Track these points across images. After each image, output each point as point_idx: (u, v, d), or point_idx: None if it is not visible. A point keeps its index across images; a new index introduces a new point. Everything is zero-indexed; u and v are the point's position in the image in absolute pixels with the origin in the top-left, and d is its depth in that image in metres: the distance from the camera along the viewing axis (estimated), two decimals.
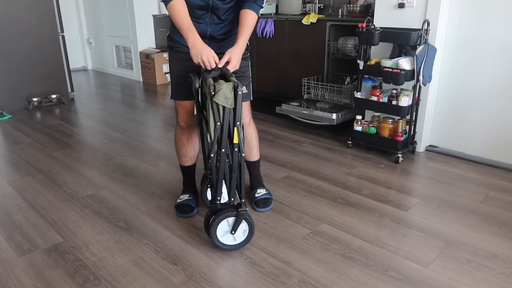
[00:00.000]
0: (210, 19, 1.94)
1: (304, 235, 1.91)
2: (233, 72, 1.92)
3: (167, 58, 5.36)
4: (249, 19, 1.87)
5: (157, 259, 1.74)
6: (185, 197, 2.15)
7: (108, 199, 2.28)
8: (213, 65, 1.78)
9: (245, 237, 1.80)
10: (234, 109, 1.64)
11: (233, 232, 1.76)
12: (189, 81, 1.88)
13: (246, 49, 2.07)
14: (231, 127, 1.66)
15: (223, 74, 1.79)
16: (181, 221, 2.03)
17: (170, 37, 2.02)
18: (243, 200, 1.74)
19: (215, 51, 1.90)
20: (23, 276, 1.64)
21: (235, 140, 1.66)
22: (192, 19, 1.90)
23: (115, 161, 2.81)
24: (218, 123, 1.64)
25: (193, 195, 2.17)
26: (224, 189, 1.78)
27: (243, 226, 1.78)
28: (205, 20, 1.94)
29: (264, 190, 2.22)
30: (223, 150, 1.68)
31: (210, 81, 1.69)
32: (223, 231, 1.77)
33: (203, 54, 1.77)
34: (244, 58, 2.05)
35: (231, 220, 1.76)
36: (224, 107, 1.63)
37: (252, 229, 1.79)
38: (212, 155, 1.68)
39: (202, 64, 1.80)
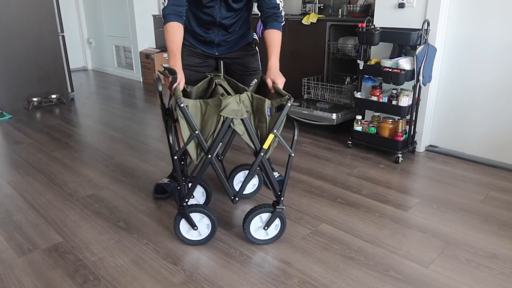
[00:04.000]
0: (218, 31, 2.05)
1: (304, 235, 1.91)
2: (250, 70, 2.15)
3: (167, 58, 5.37)
4: (275, 39, 1.94)
5: (157, 259, 1.74)
6: (165, 180, 2.32)
7: (108, 199, 2.28)
8: (175, 88, 1.78)
9: (276, 232, 1.84)
10: (276, 118, 1.65)
11: (266, 227, 1.81)
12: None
13: (255, 45, 2.24)
14: (252, 135, 1.69)
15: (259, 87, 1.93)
16: None
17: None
18: (282, 198, 1.77)
19: (225, 52, 2.14)
20: (23, 276, 1.64)
21: (265, 146, 1.68)
22: (201, 29, 2.05)
23: (115, 161, 2.81)
24: (197, 132, 1.65)
25: (174, 181, 2.29)
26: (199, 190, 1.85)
27: (276, 222, 1.83)
28: (213, 31, 2.06)
29: (277, 172, 2.39)
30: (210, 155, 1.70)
31: (220, 90, 1.77)
32: (256, 226, 1.82)
33: (180, 76, 1.82)
34: (253, 55, 2.23)
35: (265, 215, 1.80)
36: (224, 118, 1.64)
37: (284, 226, 1.83)
38: (176, 157, 1.71)
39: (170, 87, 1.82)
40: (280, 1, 1.97)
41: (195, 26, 2.06)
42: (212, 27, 2.03)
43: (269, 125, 1.67)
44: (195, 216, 1.79)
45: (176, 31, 1.86)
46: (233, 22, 2.03)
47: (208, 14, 1.98)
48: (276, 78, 1.85)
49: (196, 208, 1.78)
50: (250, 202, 2.21)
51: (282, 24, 2.00)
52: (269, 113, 1.65)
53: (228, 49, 2.16)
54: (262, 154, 1.71)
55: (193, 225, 1.79)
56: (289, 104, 1.62)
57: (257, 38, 2.23)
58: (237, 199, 1.80)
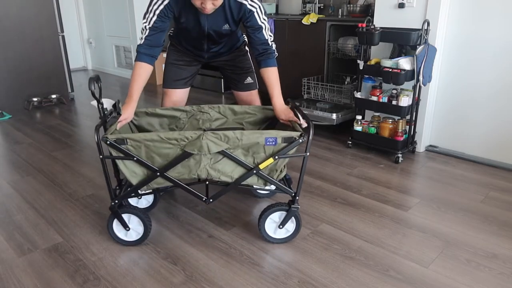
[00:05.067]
0: (208, 48, 2.11)
1: (304, 235, 1.91)
2: (243, 69, 2.21)
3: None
4: (273, 77, 1.95)
5: (157, 259, 1.74)
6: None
7: (108, 199, 2.27)
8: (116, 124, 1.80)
9: (292, 231, 1.85)
10: (282, 148, 1.67)
11: (281, 226, 1.82)
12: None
13: (244, 46, 2.26)
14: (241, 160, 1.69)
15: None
16: (181, 221, 2.03)
17: (172, 37, 2.20)
18: (297, 198, 1.77)
19: (213, 61, 2.23)
20: (23, 276, 1.64)
21: (261, 166, 1.69)
22: (191, 47, 2.13)
23: None
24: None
25: None
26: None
27: (291, 222, 1.83)
28: (203, 48, 2.12)
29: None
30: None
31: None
32: (271, 225, 1.83)
33: (123, 116, 1.82)
34: (243, 55, 2.25)
35: (280, 214, 1.81)
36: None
37: (299, 225, 1.83)
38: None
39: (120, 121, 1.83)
40: (269, 36, 1.95)
41: (185, 45, 2.16)
42: (202, 40, 2.07)
43: (273, 153, 1.68)
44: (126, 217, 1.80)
45: (141, 73, 1.89)
46: (221, 47, 2.13)
47: (196, 47, 2.10)
48: (288, 115, 1.88)
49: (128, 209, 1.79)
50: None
51: (276, 57, 1.99)
52: (269, 143, 1.65)
53: (217, 56, 2.22)
54: (254, 171, 1.70)
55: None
56: (300, 141, 1.65)
57: (246, 39, 2.25)
58: (211, 200, 1.79)
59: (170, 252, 1.78)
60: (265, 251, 1.79)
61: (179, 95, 2.25)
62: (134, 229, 1.82)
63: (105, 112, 1.76)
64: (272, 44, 1.97)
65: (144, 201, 2.10)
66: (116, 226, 1.81)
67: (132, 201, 2.03)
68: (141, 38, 1.91)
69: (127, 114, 1.86)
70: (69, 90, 4.59)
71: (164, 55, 5.58)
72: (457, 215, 2.08)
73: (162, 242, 1.86)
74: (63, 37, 4.40)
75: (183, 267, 1.69)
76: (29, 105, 4.15)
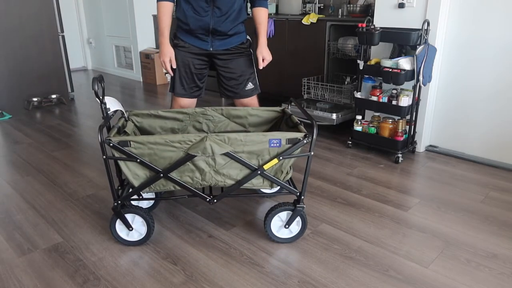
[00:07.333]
0: (212, 12, 2.08)
1: (304, 235, 1.91)
2: (245, 74, 2.23)
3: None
4: (263, 17, 2.17)
5: (157, 259, 1.74)
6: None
7: (108, 199, 2.27)
8: (168, 69, 2.13)
9: (295, 233, 1.86)
10: (287, 149, 1.69)
11: (287, 226, 1.83)
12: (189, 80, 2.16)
13: (250, 48, 2.28)
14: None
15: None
16: (181, 221, 2.03)
17: (176, 35, 2.20)
18: (303, 197, 1.79)
19: (219, 48, 2.16)
20: (23, 276, 1.64)
21: (266, 167, 1.71)
22: (196, 14, 2.08)
23: None
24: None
25: None
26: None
27: (296, 223, 1.85)
28: (207, 14, 2.08)
29: None
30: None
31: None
32: (277, 225, 1.85)
33: (166, 55, 2.10)
34: (247, 55, 2.26)
35: (286, 214, 1.83)
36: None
37: (305, 224, 1.84)
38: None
39: (162, 64, 2.13)
40: None
41: (190, 14, 2.08)
42: (207, 7, 2.06)
43: (277, 154, 1.69)
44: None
45: (166, 11, 2.08)
46: (226, 16, 2.09)
47: (200, 13, 2.07)
48: (265, 55, 2.14)
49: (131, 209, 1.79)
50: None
51: (268, 0, 2.18)
52: (274, 145, 1.67)
53: (222, 45, 2.16)
54: (258, 172, 1.71)
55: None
56: (304, 141, 1.68)
57: (250, 40, 2.26)
58: (215, 200, 1.80)
59: (170, 252, 1.79)
60: (265, 251, 1.79)
61: (186, 105, 2.25)
62: (137, 229, 1.82)
63: (108, 112, 1.77)
64: None
65: (146, 202, 2.10)
66: (119, 226, 1.81)
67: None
68: None
69: (167, 49, 2.11)
70: (69, 90, 4.59)
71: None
72: (457, 215, 2.08)
73: (162, 242, 1.86)
74: (63, 37, 4.40)
75: (183, 267, 1.69)
76: (29, 105, 4.15)
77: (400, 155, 2.74)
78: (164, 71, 2.15)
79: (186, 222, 2.02)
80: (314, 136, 1.68)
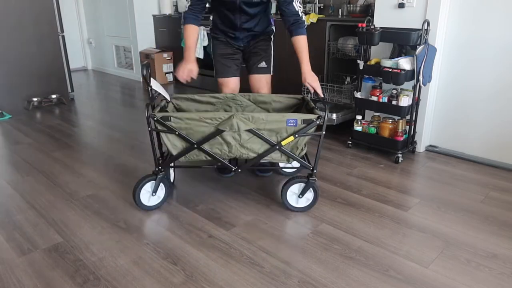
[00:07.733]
0: (240, 20, 2.28)
1: (304, 235, 1.91)
2: (260, 52, 2.41)
3: (168, 58, 5.42)
4: (303, 45, 2.21)
5: (157, 259, 1.74)
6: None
7: (108, 199, 2.28)
8: (184, 78, 2.21)
9: (310, 201, 2.10)
10: (302, 128, 1.94)
11: (300, 196, 2.08)
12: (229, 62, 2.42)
13: (271, 34, 2.48)
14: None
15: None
16: (181, 221, 2.03)
17: (213, 30, 2.44)
18: (315, 171, 2.03)
19: (250, 45, 2.40)
20: (23, 276, 1.64)
21: (284, 142, 1.96)
22: (226, 30, 2.35)
23: (115, 161, 2.81)
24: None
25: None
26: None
27: (309, 193, 2.09)
28: (236, 23, 2.30)
29: None
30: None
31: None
32: (292, 194, 2.09)
33: (187, 67, 2.18)
34: (268, 40, 2.45)
35: (300, 185, 2.07)
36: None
37: (317, 195, 2.09)
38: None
39: (181, 73, 2.20)
40: (299, 7, 2.19)
41: (223, 28, 2.37)
42: (234, 11, 2.26)
43: (294, 132, 1.93)
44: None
45: (192, 32, 2.24)
46: (253, 25, 2.32)
47: (230, 21, 2.29)
48: (312, 81, 2.17)
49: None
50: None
51: (305, 27, 2.23)
52: (291, 124, 1.91)
53: (254, 44, 2.43)
54: (277, 147, 1.96)
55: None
56: (317, 122, 1.93)
57: (274, 29, 2.48)
58: (239, 170, 2.07)
59: (170, 252, 1.79)
60: (265, 251, 1.79)
61: (232, 84, 2.44)
62: (158, 194, 2.12)
63: (153, 93, 2.03)
64: (302, 15, 2.21)
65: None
66: (143, 192, 2.08)
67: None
68: (186, 6, 2.29)
69: (192, 65, 2.21)
70: (69, 90, 4.59)
71: (164, 55, 5.59)
72: (457, 215, 2.08)
73: (162, 242, 1.86)
74: (63, 37, 4.40)
75: (183, 267, 1.69)
76: (29, 105, 4.15)
77: (400, 155, 2.74)
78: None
79: (186, 222, 2.03)
80: (326, 117, 1.94)
